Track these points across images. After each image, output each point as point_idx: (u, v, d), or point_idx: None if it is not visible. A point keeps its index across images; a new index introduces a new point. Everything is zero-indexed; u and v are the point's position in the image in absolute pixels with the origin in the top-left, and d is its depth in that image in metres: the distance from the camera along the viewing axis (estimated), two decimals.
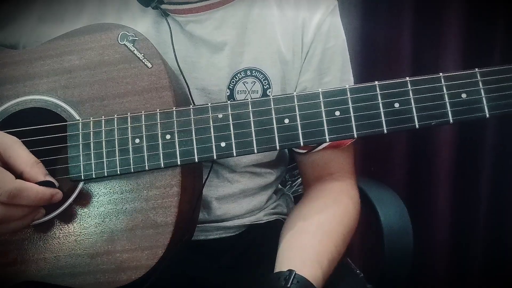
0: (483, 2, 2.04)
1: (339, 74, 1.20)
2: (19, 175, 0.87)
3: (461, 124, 2.09)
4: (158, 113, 0.91)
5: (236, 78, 1.14)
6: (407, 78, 0.83)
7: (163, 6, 1.08)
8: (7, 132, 0.91)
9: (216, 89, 1.14)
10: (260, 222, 1.28)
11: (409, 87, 0.82)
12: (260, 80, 1.15)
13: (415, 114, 0.82)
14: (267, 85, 1.15)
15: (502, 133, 2.16)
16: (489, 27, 2.08)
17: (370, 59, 2.05)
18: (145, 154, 0.90)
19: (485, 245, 2.27)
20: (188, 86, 1.05)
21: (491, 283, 2.28)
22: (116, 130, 0.92)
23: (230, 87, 1.14)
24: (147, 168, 0.91)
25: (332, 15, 1.19)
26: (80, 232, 0.93)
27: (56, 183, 0.89)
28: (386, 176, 2.12)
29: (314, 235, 1.06)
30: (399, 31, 2.06)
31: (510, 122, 2.09)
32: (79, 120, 0.94)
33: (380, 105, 0.83)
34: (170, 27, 1.07)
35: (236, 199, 1.23)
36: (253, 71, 1.14)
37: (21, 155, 0.88)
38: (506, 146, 2.18)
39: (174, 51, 1.05)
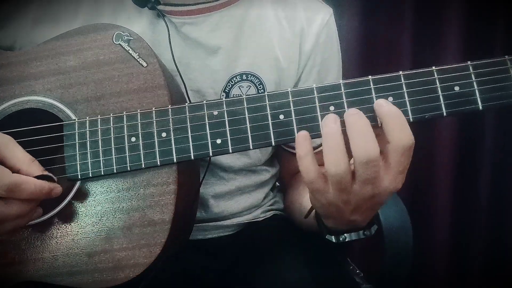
0: (483, 2, 2.05)
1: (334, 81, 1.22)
2: (16, 173, 0.87)
3: (461, 123, 2.11)
4: (153, 111, 0.91)
5: (232, 82, 1.14)
6: (400, 72, 0.83)
7: (159, 7, 1.08)
8: (3, 133, 0.91)
9: (211, 92, 1.14)
10: (258, 219, 1.28)
11: (402, 81, 0.83)
12: (255, 84, 1.15)
13: (408, 107, 0.82)
14: (262, 90, 1.16)
15: (502, 133, 2.16)
16: (489, 27, 2.08)
17: (370, 59, 2.05)
18: (141, 152, 0.91)
19: (485, 245, 2.26)
20: (185, 85, 1.05)
21: (491, 283, 2.28)
22: (112, 129, 0.92)
23: (226, 90, 1.14)
24: (143, 166, 0.91)
25: (329, 24, 1.21)
26: (78, 231, 0.94)
27: (55, 178, 0.89)
28: None
29: None
30: (399, 31, 2.06)
31: (509, 121, 2.09)
32: (75, 119, 0.95)
33: (374, 99, 0.83)
34: (168, 27, 1.07)
35: (232, 196, 1.24)
36: (249, 76, 1.15)
37: (16, 153, 0.88)
38: (506, 146, 2.18)
39: (172, 50, 1.06)
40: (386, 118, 0.79)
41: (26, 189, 0.85)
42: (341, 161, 0.78)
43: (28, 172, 0.87)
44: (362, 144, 0.78)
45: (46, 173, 0.89)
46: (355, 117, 0.79)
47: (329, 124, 0.80)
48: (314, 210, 0.96)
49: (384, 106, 0.80)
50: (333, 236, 0.94)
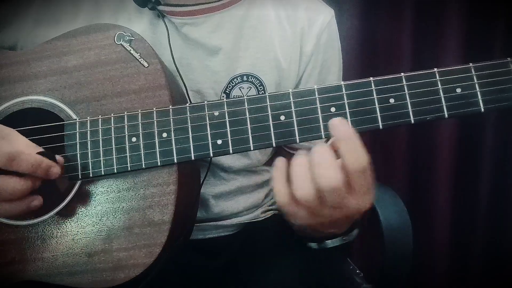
0: (483, 2, 2.05)
1: (335, 82, 1.22)
2: None
3: (461, 123, 2.11)
4: (154, 112, 0.91)
5: (233, 83, 1.14)
6: (402, 74, 0.83)
7: (160, 7, 1.08)
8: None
9: (211, 92, 1.14)
10: (258, 219, 1.29)
11: (404, 83, 0.83)
12: (255, 85, 1.15)
13: (410, 109, 0.82)
14: (263, 91, 1.16)
15: (503, 133, 2.16)
16: (489, 27, 2.08)
17: (370, 59, 2.05)
18: (142, 152, 0.91)
19: (485, 245, 2.26)
20: (185, 85, 1.05)
21: (491, 283, 2.28)
22: (113, 129, 0.92)
23: (227, 91, 1.14)
24: (144, 166, 0.91)
25: (330, 25, 1.21)
26: (78, 231, 0.94)
27: (56, 158, 0.90)
28: (386, 176, 2.12)
29: None
30: (399, 31, 2.06)
31: (510, 121, 2.09)
32: (76, 119, 0.95)
33: (375, 100, 0.83)
34: (167, 28, 1.07)
35: (233, 196, 1.24)
36: (250, 77, 1.15)
37: (22, 142, 0.89)
38: (506, 146, 2.18)
39: (171, 51, 1.06)
40: (339, 142, 0.79)
41: (26, 159, 0.85)
42: (306, 187, 0.79)
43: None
44: (324, 174, 0.78)
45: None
46: (317, 148, 0.79)
47: (297, 157, 0.81)
48: None
49: (337, 128, 0.79)
50: (314, 244, 0.96)
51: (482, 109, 0.81)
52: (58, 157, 0.90)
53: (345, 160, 0.78)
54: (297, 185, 0.79)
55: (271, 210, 1.33)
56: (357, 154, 0.78)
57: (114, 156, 0.92)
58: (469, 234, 2.26)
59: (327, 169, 0.78)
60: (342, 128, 0.79)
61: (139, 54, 0.97)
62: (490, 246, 2.26)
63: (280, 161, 0.82)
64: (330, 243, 0.94)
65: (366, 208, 0.82)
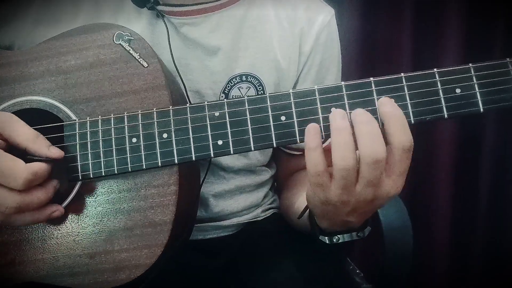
0: (483, 2, 2.05)
1: (334, 82, 1.22)
2: (22, 151, 0.87)
3: (462, 123, 2.11)
4: (154, 112, 0.91)
5: (232, 83, 1.14)
6: (402, 74, 0.83)
7: (158, 7, 1.08)
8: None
9: (210, 93, 1.14)
10: (258, 219, 1.29)
11: (404, 83, 0.82)
12: (255, 85, 1.15)
13: (410, 109, 0.82)
14: (262, 91, 1.16)
15: (503, 132, 2.16)
16: (489, 27, 2.08)
17: (370, 59, 2.05)
18: (142, 153, 0.90)
19: (485, 245, 2.27)
20: (184, 86, 1.05)
21: (491, 283, 2.28)
22: (113, 130, 0.92)
23: (226, 91, 1.14)
24: (144, 167, 0.90)
25: (330, 25, 1.21)
26: (78, 232, 0.93)
27: (61, 152, 0.90)
28: None
29: None
30: (399, 31, 2.06)
31: (510, 121, 2.09)
32: (75, 120, 0.94)
33: (376, 101, 0.83)
34: (167, 27, 1.07)
35: (232, 195, 1.24)
36: (249, 77, 1.15)
37: (21, 130, 0.88)
38: (506, 145, 2.18)
39: (171, 51, 1.05)
40: (389, 119, 0.80)
41: (43, 176, 0.86)
42: (350, 156, 0.78)
43: (34, 149, 0.87)
44: (370, 144, 0.78)
45: (52, 149, 0.89)
46: (364, 117, 0.79)
47: (337, 119, 0.80)
48: (307, 211, 0.96)
49: (388, 106, 0.80)
50: (326, 237, 0.94)
51: (482, 110, 0.81)
52: (56, 149, 0.90)
53: (392, 138, 0.79)
54: (339, 155, 0.79)
55: (271, 209, 1.33)
56: (405, 133, 0.79)
57: (114, 157, 0.91)
58: (469, 234, 2.27)
59: (373, 139, 0.78)
60: (394, 108, 0.80)
61: (138, 54, 0.96)
62: (490, 246, 2.26)
63: (313, 126, 0.81)
64: (341, 238, 0.93)
65: (395, 193, 0.82)
